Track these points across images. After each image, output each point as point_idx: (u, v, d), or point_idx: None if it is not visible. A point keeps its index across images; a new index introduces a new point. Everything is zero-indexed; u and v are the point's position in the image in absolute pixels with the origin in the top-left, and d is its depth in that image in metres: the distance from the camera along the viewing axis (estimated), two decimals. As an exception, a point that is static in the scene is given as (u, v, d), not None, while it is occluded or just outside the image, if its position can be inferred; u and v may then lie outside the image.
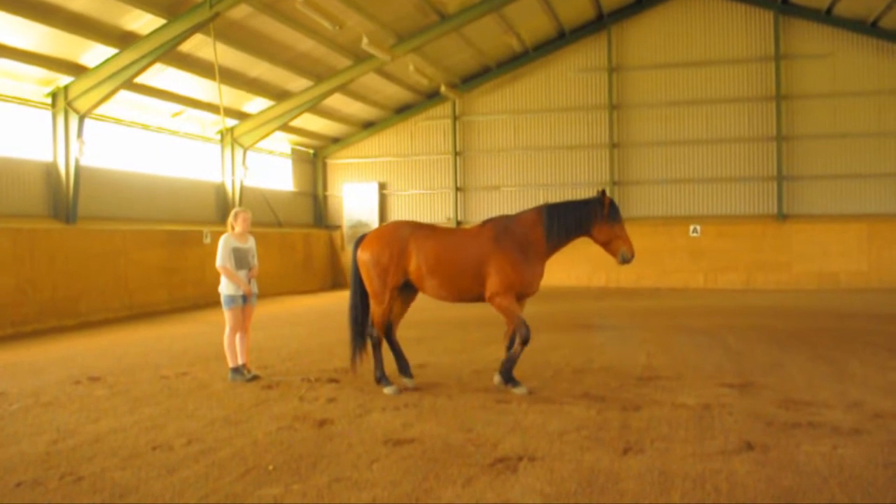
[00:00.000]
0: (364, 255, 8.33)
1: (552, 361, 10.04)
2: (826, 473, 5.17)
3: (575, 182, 26.04)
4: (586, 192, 25.80)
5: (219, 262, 8.80)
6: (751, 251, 24.12)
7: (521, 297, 8.12)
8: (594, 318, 15.64)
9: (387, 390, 8.11)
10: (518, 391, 7.86)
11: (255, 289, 9.10)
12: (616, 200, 25.31)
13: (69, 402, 7.97)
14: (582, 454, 5.70)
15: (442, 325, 14.05)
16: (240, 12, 17.27)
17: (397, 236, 8.24)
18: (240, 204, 23.08)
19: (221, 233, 9.42)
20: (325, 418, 6.97)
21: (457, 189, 27.56)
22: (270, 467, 5.51)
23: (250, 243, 9.14)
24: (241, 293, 8.87)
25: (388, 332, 8.58)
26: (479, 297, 8.13)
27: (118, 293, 17.62)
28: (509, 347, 8.15)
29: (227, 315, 8.91)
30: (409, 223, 8.55)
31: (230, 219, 9.11)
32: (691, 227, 24.74)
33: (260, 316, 16.83)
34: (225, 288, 8.87)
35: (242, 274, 8.92)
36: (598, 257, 23.31)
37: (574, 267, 24.22)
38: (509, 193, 26.81)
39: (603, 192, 8.09)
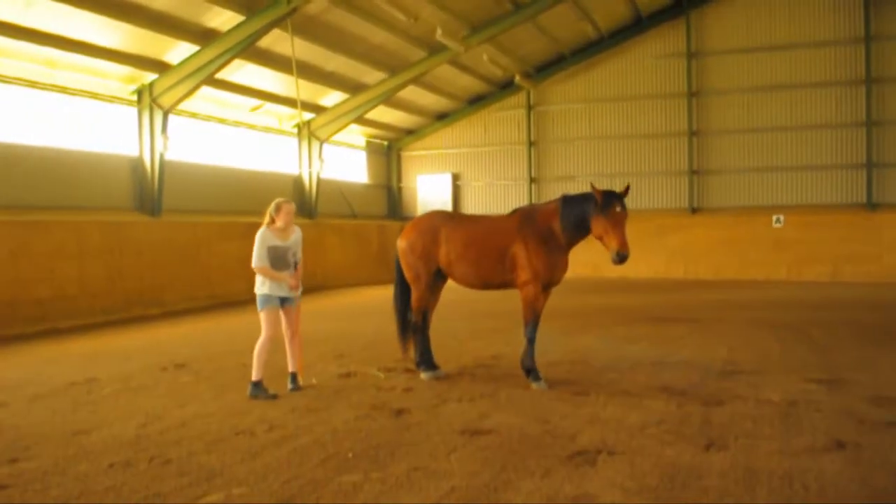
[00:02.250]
0: (401, 244, 8.76)
1: (629, 354, 9.89)
2: (924, 475, 4.93)
3: (652, 171, 25.52)
4: (664, 182, 25.38)
5: (254, 263, 7.60)
6: (838, 242, 23.07)
7: (546, 286, 8.13)
8: (672, 310, 15.29)
9: (424, 375, 8.41)
10: (537, 385, 7.84)
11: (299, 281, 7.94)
12: (695, 189, 24.89)
13: (156, 387, 8.29)
14: (663, 449, 5.58)
15: (516, 315, 13.94)
16: (316, 7, 17.52)
17: (430, 225, 8.60)
18: (316, 196, 23.47)
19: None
20: (403, 407, 7.04)
21: (531, 179, 27.38)
22: (350, 455, 5.59)
23: (292, 240, 7.82)
24: (277, 294, 7.72)
25: (423, 321, 8.79)
26: (505, 284, 8.31)
27: (200, 283, 18.21)
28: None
29: (262, 317, 7.73)
30: (444, 213, 8.99)
31: (271, 210, 7.75)
32: (774, 218, 23.86)
33: (334, 306, 17.11)
34: (260, 286, 7.70)
35: (284, 275, 7.71)
36: (675, 248, 23.03)
37: (651, 258, 23.64)
38: (584, 183, 26.28)
39: (591, 185, 7.94)
